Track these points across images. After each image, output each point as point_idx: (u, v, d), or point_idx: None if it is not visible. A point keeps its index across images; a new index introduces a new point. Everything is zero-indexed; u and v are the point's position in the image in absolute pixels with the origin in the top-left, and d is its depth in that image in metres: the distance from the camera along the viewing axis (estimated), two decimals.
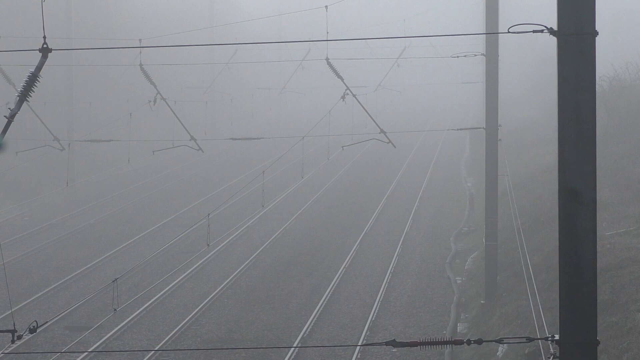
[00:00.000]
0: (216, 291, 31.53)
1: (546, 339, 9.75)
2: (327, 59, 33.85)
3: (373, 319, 28.41)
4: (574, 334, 9.34)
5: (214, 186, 54.86)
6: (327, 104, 63.07)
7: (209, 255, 36.65)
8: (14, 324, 14.66)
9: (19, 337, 11.90)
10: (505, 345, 23.10)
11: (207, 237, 29.08)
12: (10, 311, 28.26)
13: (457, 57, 33.06)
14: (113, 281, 21.22)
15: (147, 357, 25.12)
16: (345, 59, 62.87)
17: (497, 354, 23.38)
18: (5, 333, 16.70)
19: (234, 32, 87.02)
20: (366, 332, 27.01)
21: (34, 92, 10.80)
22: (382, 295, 31.04)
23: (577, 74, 9.22)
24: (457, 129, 38.94)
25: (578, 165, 9.27)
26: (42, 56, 10.68)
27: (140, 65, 34.20)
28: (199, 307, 29.54)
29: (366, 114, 34.87)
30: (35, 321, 12.94)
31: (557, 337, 9.46)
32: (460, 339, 10.28)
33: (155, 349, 25.56)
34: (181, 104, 56.27)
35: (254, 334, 27.40)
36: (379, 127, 34.30)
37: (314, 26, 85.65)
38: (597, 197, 9.59)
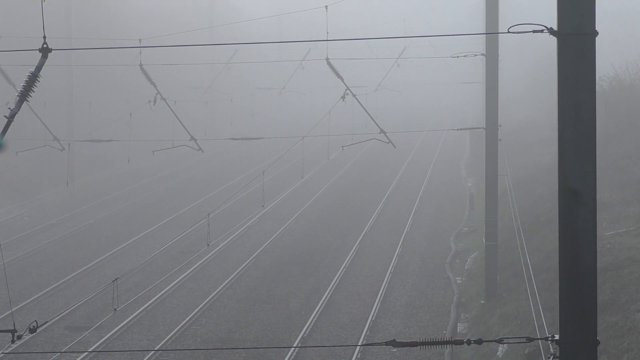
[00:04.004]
0: (216, 291, 31.53)
1: (546, 339, 9.74)
2: (327, 59, 33.86)
3: (373, 319, 28.41)
4: (574, 334, 9.34)
5: (214, 186, 54.85)
6: (327, 104, 63.06)
7: (209, 255, 36.64)
8: (14, 324, 14.66)
9: (19, 337, 11.90)
10: (505, 345, 23.10)
11: (207, 237, 29.09)
12: (10, 311, 28.25)
13: (457, 57, 33.06)
14: (113, 281, 21.23)
15: (147, 357, 25.12)
16: (345, 59, 62.83)
17: (497, 354, 23.38)
18: (5, 333, 16.70)
19: (234, 32, 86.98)
20: (366, 332, 27.01)
21: (34, 92, 10.79)
22: (382, 295, 31.03)
23: (577, 74, 9.22)
24: (457, 129, 38.95)
25: (578, 165, 9.26)
26: (42, 56, 10.67)
27: (140, 65, 34.20)
28: (199, 307, 29.54)
29: (366, 114, 34.87)
30: (35, 321, 12.94)
31: (557, 337, 9.46)
32: (460, 339, 10.28)
33: (155, 349, 25.56)
34: (181, 104, 56.24)
35: (254, 334, 27.40)
36: (379, 127, 34.30)
37: (314, 26, 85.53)
38: (597, 197, 9.59)
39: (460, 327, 27.75)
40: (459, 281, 32.87)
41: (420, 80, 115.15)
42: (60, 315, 27.90)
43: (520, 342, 11.15)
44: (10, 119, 10.73)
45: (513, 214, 29.10)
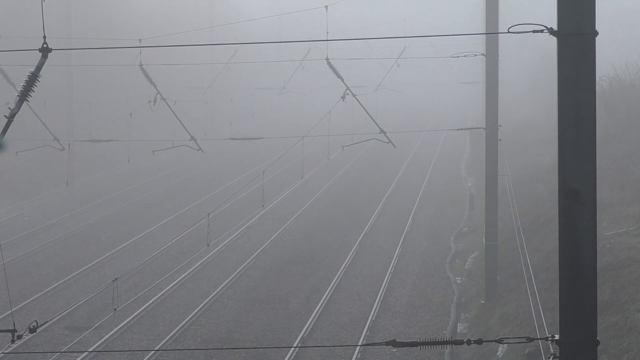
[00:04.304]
0: (216, 291, 31.52)
1: (546, 339, 9.74)
2: (327, 59, 33.86)
3: (373, 319, 28.41)
4: (574, 334, 9.33)
5: (214, 186, 54.85)
6: (327, 104, 63.07)
7: (209, 255, 36.64)
8: (14, 323, 14.66)
9: (19, 337, 11.90)
10: (505, 345, 23.10)
11: (207, 237, 29.08)
12: (10, 311, 28.25)
13: (457, 57, 33.06)
14: (113, 281, 21.23)
15: (147, 357, 25.12)
16: (345, 59, 62.83)
17: (497, 354, 23.38)
18: (5, 333, 16.70)
19: (234, 32, 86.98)
20: (366, 332, 27.01)
21: (34, 92, 10.79)
22: (382, 295, 31.03)
23: (577, 74, 9.22)
24: (457, 129, 38.95)
25: (578, 165, 9.26)
26: (42, 56, 10.67)
27: (140, 65, 34.20)
28: (199, 307, 29.54)
29: (366, 114, 34.87)
30: (35, 321, 12.94)
31: (557, 337, 9.45)
32: (460, 339, 10.28)
33: (155, 349, 25.55)
34: (181, 104, 56.23)
35: (254, 334, 27.40)
36: (379, 127, 34.30)
37: (314, 26, 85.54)
38: (597, 197, 9.58)
39: (460, 327, 27.75)
40: (459, 281, 32.87)
41: (420, 80, 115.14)
42: (60, 315, 27.90)
43: (520, 342, 11.15)
44: (10, 119, 10.73)
45: (513, 214, 29.10)
